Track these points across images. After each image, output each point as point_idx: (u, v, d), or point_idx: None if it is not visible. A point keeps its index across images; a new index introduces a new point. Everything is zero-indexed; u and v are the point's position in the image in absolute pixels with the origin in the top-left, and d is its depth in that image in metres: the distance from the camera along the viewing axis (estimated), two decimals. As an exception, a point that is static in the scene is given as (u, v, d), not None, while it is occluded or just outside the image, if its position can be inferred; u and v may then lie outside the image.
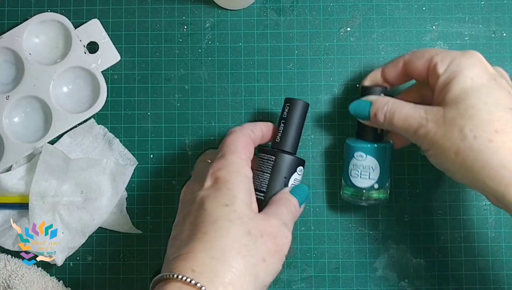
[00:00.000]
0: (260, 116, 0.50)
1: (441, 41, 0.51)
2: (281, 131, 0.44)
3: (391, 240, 0.49)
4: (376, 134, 0.45)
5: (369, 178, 0.45)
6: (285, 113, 0.44)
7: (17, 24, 0.50)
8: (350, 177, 0.46)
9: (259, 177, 0.43)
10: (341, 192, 0.48)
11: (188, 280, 0.33)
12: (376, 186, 0.45)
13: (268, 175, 0.43)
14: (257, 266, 0.35)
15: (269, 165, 0.43)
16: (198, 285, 0.33)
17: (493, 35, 0.51)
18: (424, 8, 0.51)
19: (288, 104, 0.44)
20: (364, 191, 0.46)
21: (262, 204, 0.41)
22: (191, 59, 0.51)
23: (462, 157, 0.37)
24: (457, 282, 0.48)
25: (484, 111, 0.37)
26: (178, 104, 0.50)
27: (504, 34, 0.51)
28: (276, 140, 0.44)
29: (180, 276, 0.34)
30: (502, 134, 0.37)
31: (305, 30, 0.51)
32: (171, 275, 0.34)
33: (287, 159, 0.43)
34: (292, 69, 0.50)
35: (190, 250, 0.35)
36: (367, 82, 0.46)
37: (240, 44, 0.51)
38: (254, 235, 0.36)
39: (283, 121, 0.44)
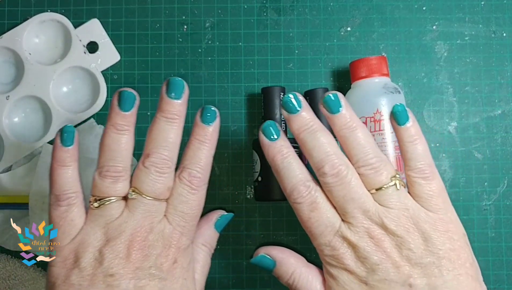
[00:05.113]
0: (259, 116, 0.50)
1: (441, 41, 0.51)
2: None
3: (391, 240, 0.49)
4: None
5: None
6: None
7: (17, 24, 0.50)
8: None
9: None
10: None
11: None
12: None
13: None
14: None
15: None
16: None
17: (493, 35, 0.51)
18: (424, 8, 0.51)
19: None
20: None
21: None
22: (191, 59, 0.51)
23: None
24: (457, 282, 0.48)
25: None
26: (178, 104, 0.50)
27: (504, 34, 0.51)
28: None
29: None
30: None
31: (305, 30, 0.51)
32: None
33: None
34: (292, 69, 0.50)
35: None
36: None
37: (240, 44, 0.51)
38: None
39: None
